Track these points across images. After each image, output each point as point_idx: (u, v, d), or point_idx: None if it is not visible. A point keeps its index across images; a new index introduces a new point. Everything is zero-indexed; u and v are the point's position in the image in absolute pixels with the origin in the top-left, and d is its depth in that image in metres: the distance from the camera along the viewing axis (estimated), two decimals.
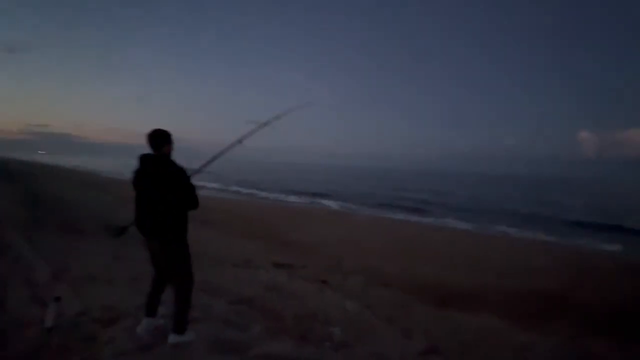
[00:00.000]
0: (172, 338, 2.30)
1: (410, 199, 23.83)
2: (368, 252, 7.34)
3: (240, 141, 3.05)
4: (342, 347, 2.86)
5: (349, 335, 3.22)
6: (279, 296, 4.19)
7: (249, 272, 5.16)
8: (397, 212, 17.07)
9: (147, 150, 2.32)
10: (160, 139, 2.27)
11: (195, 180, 2.40)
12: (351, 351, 2.81)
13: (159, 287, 2.48)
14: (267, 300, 3.93)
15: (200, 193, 2.37)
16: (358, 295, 4.56)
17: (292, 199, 21.79)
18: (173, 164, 2.24)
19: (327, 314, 3.70)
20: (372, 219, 14.58)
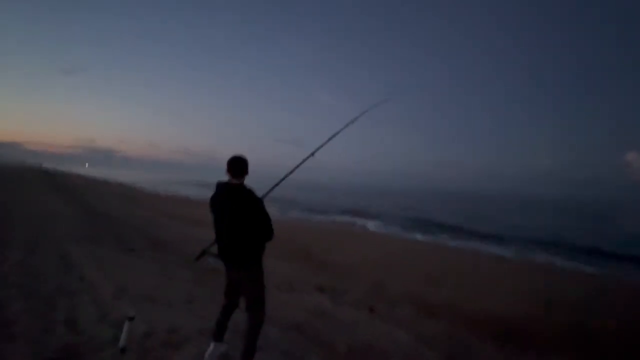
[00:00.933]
0: None
1: (445, 221, 23.05)
2: (409, 277, 7.09)
3: (313, 154, 3.06)
4: None
5: None
6: (327, 323, 4.12)
7: (293, 296, 5.13)
8: (431, 234, 16.51)
9: (222, 174, 2.36)
10: (241, 166, 2.27)
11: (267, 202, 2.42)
12: None
13: (229, 313, 2.52)
14: (317, 328, 3.88)
15: None
16: (408, 326, 4.39)
17: (320, 217, 21.72)
18: (250, 193, 2.24)
19: (382, 347, 3.58)
20: (404, 240, 14.19)
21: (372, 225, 19.15)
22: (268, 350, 2.87)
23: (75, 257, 5.11)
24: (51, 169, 56.79)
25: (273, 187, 2.84)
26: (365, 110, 3.53)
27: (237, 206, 2.21)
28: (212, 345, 2.47)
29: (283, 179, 2.93)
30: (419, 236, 16.14)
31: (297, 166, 3.01)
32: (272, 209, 2.47)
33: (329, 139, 3.22)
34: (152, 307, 3.48)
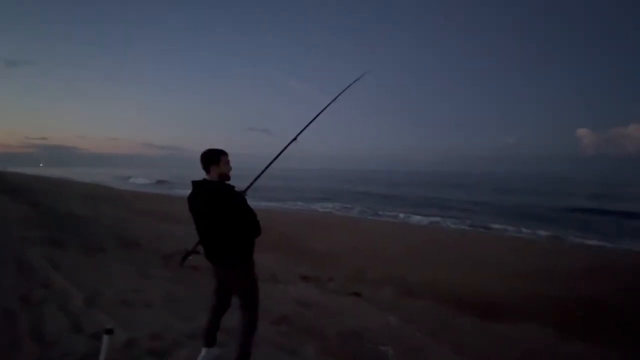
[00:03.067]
0: None
1: (421, 201, 23.75)
2: (389, 260, 7.22)
3: (295, 139, 2.87)
4: None
5: (401, 354, 3.11)
6: (316, 312, 4.09)
7: (278, 287, 5.04)
8: (407, 215, 16.93)
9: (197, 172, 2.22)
10: (206, 159, 2.11)
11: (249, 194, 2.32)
12: None
13: (219, 315, 2.38)
14: (306, 318, 3.83)
15: None
16: (393, 308, 4.45)
17: (297, 205, 21.64)
18: (229, 190, 2.08)
19: (371, 331, 3.59)
20: (383, 223, 14.46)
21: (349, 210, 19.32)
22: (259, 345, 2.76)
23: (37, 262, 4.69)
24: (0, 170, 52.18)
25: (258, 176, 2.70)
26: (345, 87, 3.37)
27: (216, 205, 2.05)
28: (203, 351, 2.33)
29: (267, 166, 2.79)
30: (397, 217, 16.49)
31: (280, 152, 2.87)
32: (248, 199, 2.32)
33: (310, 122, 3.06)
34: (130, 312, 3.25)
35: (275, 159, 2.86)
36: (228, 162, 2.17)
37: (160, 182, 41.27)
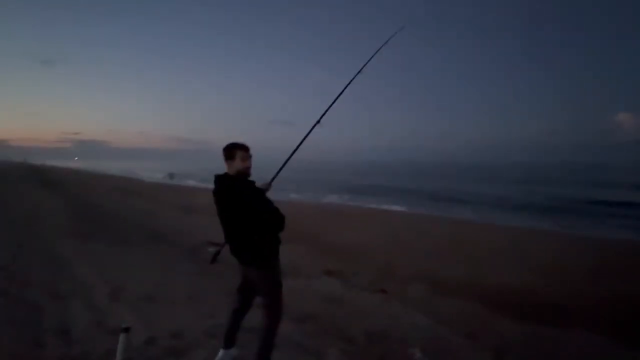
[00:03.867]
0: None
1: (445, 193, 23.01)
2: (418, 254, 6.91)
3: (319, 121, 2.74)
4: None
5: (432, 357, 2.88)
6: (341, 310, 3.91)
7: (301, 282, 4.90)
8: (434, 208, 16.41)
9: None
10: (224, 154, 2.05)
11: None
12: None
13: (240, 316, 2.30)
14: (331, 316, 3.66)
15: None
16: (424, 307, 4.19)
17: (320, 198, 21.51)
18: (248, 185, 1.97)
19: (400, 331, 3.37)
20: (408, 215, 14.06)
21: (375, 203, 18.89)
22: (282, 344, 2.62)
23: (66, 255, 4.79)
24: (38, 165, 55.50)
25: (284, 164, 2.57)
26: (378, 49, 3.04)
27: (234, 201, 1.97)
28: (221, 353, 2.25)
29: (293, 152, 2.63)
30: (422, 210, 16.00)
31: (305, 137, 2.72)
32: (274, 191, 2.15)
33: (334, 101, 2.86)
34: (153, 308, 3.20)
35: (300, 143, 2.70)
36: (246, 157, 2.05)
37: (170, 175, 42.59)
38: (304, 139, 2.70)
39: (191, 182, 30.60)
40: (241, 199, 1.93)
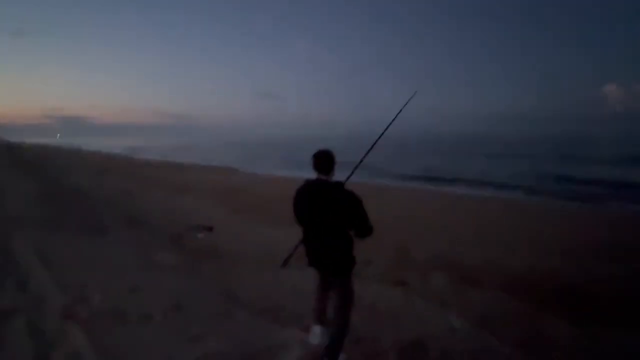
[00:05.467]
0: None
1: (438, 169, 22.06)
2: (435, 236, 6.23)
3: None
4: None
5: None
6: (361, 310, 3.22)
7: (305, 275, 4.20)
8: (436, 184, 15.76)
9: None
10: (330, 162, 2.06)
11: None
12: None
13: (325, 303, 2.38)
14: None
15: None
16: (453, 302, 3.56)
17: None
18: (351, 194, 1.97)
19: (438, 341, 2.73)
20: (416, 191, 13.39)
21: (379, 179, 17.49)
22: None
23: (22, 252, 3.96)
24: (17, 143, 52.73)
25: (359, 163, 2.40)
26: (396, 114, 2.80)
27: (335, 208, 1.97)
28: (317, 330, 2.35)
29: (373, 145, 2.52)
30: (429, 186, 15.29)
31: (385, 130, 2.68)
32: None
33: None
34: (121, 330, 2.43)
35: (380, 137, 2.59)
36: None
37: (131, 148, 41.64)
38: (383, 132, 2.66)
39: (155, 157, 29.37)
40: (349, 205, 1.95)
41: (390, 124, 2.69)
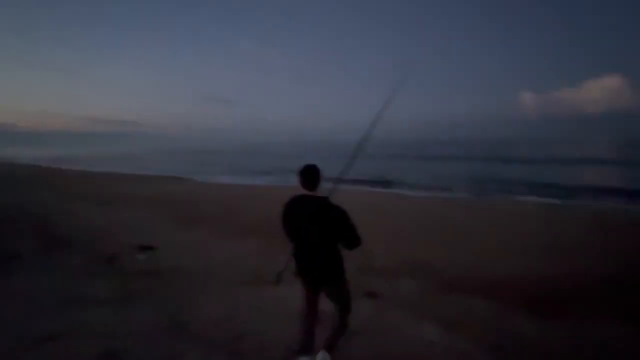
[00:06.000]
0: (322, 355, 2.14)
1: (380, 172, 21.97)
2: (399, 238, 6.14)
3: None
4: None
5: None
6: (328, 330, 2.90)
7: (268, 292, 3.78)
8: (376, 186, 16.05)
9: None
10: (318, 177, 2.09)
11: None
12: None
13: (313, 322, 2.26)
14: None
15: None
16: (427, 310, 3.40)
17: (275, 180, 19.90)
18: (335, 206, 2.03)
19: (416, 356, 2.51)
20: (373, 195, 13.40)
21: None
22: None
23: None
24: None
25: (344, 168, 2.31)
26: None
27: (325, 222, 2.00)
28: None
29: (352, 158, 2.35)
30: (369, 188, 15.50)
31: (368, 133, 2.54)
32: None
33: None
34: None
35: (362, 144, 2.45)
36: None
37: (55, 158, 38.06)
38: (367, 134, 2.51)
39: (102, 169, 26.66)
40: (337, 219, 2.00)
41: (371, 130, 2.55)
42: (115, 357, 2.22)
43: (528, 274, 4.39)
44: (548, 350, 2.78)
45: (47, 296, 3.36)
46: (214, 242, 5.88)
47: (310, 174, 2.06)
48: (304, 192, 2.09)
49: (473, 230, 6.87)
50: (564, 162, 27.57)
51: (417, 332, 2.94)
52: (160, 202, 9.82)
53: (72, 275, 3.94)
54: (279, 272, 2.25)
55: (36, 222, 6.74)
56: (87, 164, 31.83)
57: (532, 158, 32.59)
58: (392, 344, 2.74)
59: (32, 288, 3.55)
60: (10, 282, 3.75)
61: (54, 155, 46.71)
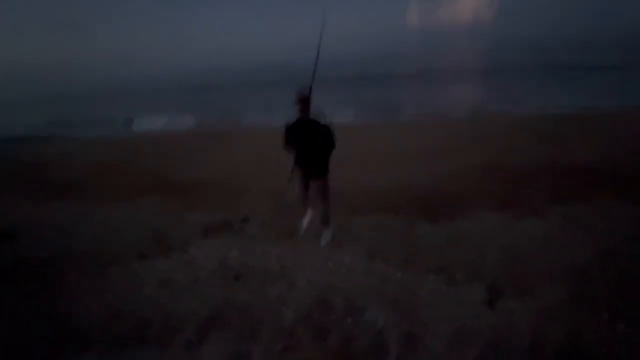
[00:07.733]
0: (325, 236, 3.39)
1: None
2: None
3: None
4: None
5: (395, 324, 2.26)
6: (248, 285, 2.82)
7: (178, 256, 3.41)
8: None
9: None
10: (307, 102, 3.03)
11: None
12: None
13: (307, 198, 3.37)
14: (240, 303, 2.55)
15: None
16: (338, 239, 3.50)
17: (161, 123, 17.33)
18: (327, 125, 3.06)
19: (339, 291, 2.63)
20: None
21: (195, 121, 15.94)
22: None
23: None
24: None
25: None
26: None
27: (321, 135, 3.04)
28: (309, 212, 3.45)
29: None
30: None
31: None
32: None
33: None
34: None
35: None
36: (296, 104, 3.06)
37: None
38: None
39: None
40: (327, 130, 3.05)
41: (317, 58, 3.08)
42: None
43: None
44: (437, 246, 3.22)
45: None
46: (78, 212, 4.90)
47: (305, 102, 3.00)
48: (302, 115, 3.03)
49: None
50: None
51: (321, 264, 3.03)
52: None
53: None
54: (290, 177, 3.24)
55: None
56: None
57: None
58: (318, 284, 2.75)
59: None
60: None
61: None
